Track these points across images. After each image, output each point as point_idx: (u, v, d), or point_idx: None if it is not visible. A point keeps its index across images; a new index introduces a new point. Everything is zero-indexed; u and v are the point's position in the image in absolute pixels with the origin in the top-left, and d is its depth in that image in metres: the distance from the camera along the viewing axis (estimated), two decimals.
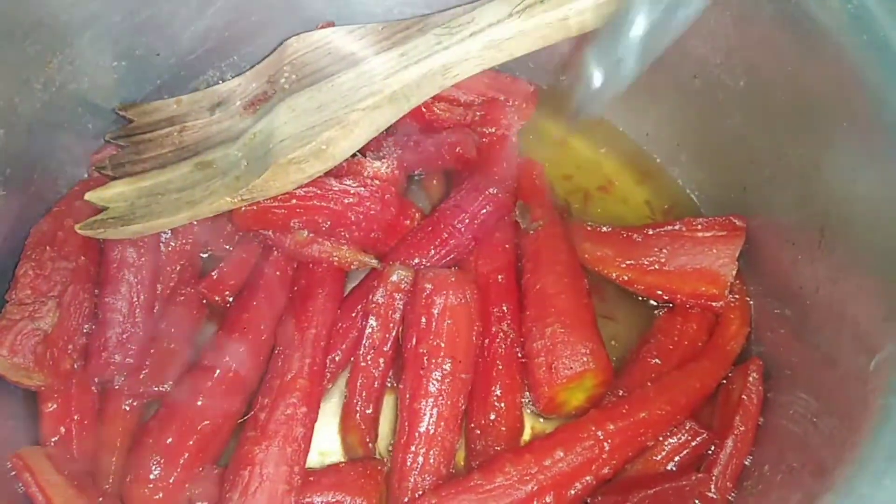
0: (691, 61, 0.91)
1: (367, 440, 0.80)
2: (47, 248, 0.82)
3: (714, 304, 0.86)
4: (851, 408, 0.56)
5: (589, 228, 0.93)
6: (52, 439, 0.78)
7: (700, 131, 0.96)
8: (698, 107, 0.94)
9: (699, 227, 0.89)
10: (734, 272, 0.85)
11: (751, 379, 0.79)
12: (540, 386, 0.79)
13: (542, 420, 0.83)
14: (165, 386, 0.80)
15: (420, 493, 0.73)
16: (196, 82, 1.02)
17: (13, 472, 0.74)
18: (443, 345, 0.78)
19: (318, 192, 0.84)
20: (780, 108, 0.81)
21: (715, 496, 0.73)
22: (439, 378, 0.77)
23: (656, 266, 0.88)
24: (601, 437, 0.74)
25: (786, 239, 0.82)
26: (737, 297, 0.87)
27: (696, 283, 0.86)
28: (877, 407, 0.51)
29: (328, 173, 0.85)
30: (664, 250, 0.88)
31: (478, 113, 0.98)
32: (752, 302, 0.88)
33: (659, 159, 1.03)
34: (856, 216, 0.70)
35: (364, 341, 0.83)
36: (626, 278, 0.90)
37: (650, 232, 0.91)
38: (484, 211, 0.88)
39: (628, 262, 0.89)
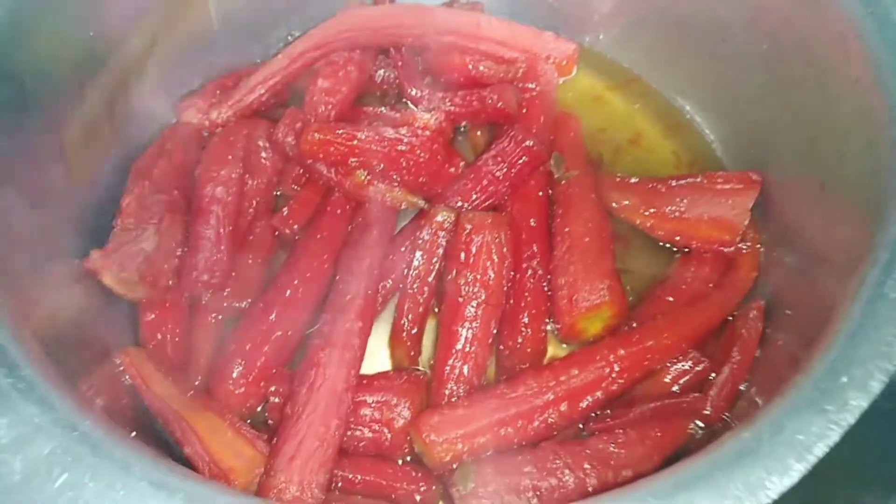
0: (719, 26, 0.99)
1: (412, 354, 0.88)
2: (146, 182, 0.92)
3: (725, 249, 0.92)
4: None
5: (618, 179, 1.00)
6: (151, 344, 0.87)
7: (727, 90, 1.03)
8: (726, 68, 1.01)
9: (719, 180, 0.95)
10: (746, 221, 0.92)
11: (751, 316, 0.86)
12: (562, 315, 0.88)
13: (564, 346, 0.91)
14: (245, 303, 0.89)
15: (455, 398, 0.82)
16: (269, 39, 1.13)
17: (121, 367, 0.83)
18: (479, 277, 0.86)
19: (376, 137, 0.91)
20: (794, 71, 0.87)
21: (710, 413, 0.82)
22: (475, 305, 0.85)
23: (677, 214, 0.95)
24: (612, 360, 0.81)
25: (793, 192, 0.89)
26: (748, 244, 0.93)
27: (711, 230, 0.93)
28: (828, 332, 0.61)
29: (385, 123, 0.95)
30: (685, 200, 0.95)
31: (521, 69, 1.05)
32: (761, 248, 0.94)
33: (688, 115, 1.10)
34: (848, 172, 0.77)
35: (411, 272, 0.90)
36: (648, 225, 0.96)
37: (673, 183, 0.97)
38: (521, 161, 0.94)
39: (651, 211, 0.96)
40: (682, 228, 0.95)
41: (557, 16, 1.15)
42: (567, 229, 0.93)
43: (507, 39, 1.05)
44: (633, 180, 1.00)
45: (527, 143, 0.95)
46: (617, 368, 0.82)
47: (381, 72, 1.09)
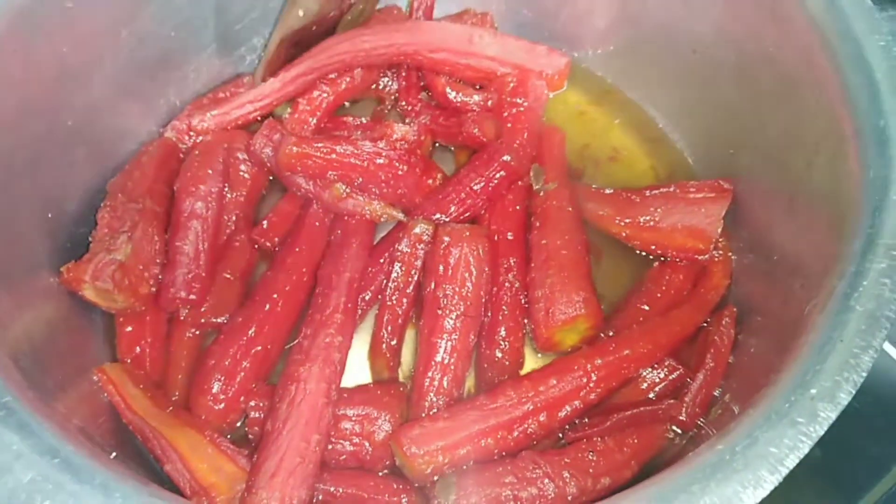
0: (691, 37, 1.00)
1: (392, 366, 0.89)
2: (119, 195, 0.92)
3: (700, 257, 0.94)
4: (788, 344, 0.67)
5: (593, 190, 1.01)
6: (129, 358, 0.87)
7: (698, 100, 1.04)
8: (697, 78, 1.03)
9: (692, 189, 0.97)
10: (720, 229, 0.93)
11: (724, 323, 0.88)
12: (539, 327, 0.89)
13: (540, 356, 0.92)
14: (223, 318, 0.89)
15: (435, 410, 0.82)
16: (242, 49, 1.12)
17: (99, 384, 0.83)
18: (458, 289, 0.86)
19: (355, 151, 0.91)
20: (762, 83, 0.89)
21: (685, 419, 0.83)
22: (453, 318, 0.86)
23: (651, 223, 0.96)
24: (589, 370, 0.82)
25: (764, 201, 0.91)
26: (720, 252, 0.95)
27: (685, 238, 0.94)
28: (798, 344, 0.62)
29: (364, 135, 0.95)
30: (659, 210, 0.96)
31: (511, 83, 1.05)
32: (733, 256, 0.95)
33: (662, 126, 1.11)
34: (816, 184, 0.78)
35: (390, 284, 0.91)
36: (624, 234, 0.98)
37: (647, 193, 0.98)
38: (498, 176, 0.95)
39: (627, 221, 0.97)
40: (657, 238, 0.97)
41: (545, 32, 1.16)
42: (544, 241, 0.94)
43: (498, 55, 1.05)
44: (608, 191, 1.01)
45: (504, 158, 0.96)
46: (594, 378, 0.83)
47: (385, 79, 1.10)
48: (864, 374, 0.56)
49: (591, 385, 0.83)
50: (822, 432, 0.54)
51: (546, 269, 0.91)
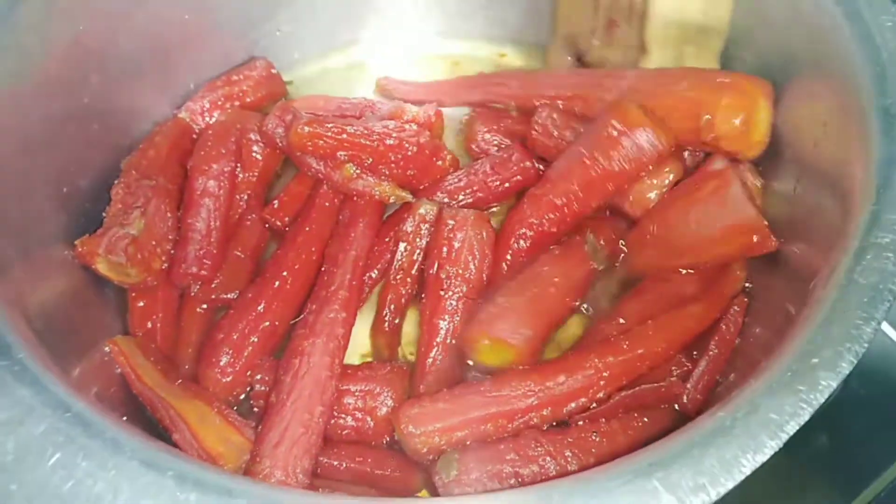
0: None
1: (392, 344, 0.90)
2: (133, 172, 0.93)
3: (769, 244, 0.82)
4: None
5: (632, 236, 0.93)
6: (140, 332, 0.88)
7: None
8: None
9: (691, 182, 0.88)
10: (753, 212, 0.82)
11: (732, 311, 0.86)
12: (474, 324, 0.85)
13: None
14: (233, 294, 0.91)
15: (436, 391, 0.81)
16: (256, 33, 1.13)
17: (111, 356, 0.83)
18: (460, 272, 0.87)
19: (365, 131, 0.92)
20: (769, 69, 0.89)
21: (687, 403, 0.83)
22: (455, 299, 0.86)
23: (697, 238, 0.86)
24: (601, 368, 0.80)
25: (771, 185, 0.89)
26: None
27: (734, 237, 0.84)
28: (801, 317, 0.63)
29: (375, 116, 0.97)
30: (693, 224, 0.87)
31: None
32: None
33: None
34: (822, 164, 0.78)
35: (394, 263, 0.92)
36: (683, 264, 0.89)
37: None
38: (515, 179, 0.96)
39: (671, 250, 0.89)
40: (719, 249, 0.87)
41: None
42: (546, 268, 0.89)
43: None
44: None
45: (525, 164, 0.97)
46: (605, 376, 0.80)
47: None
48: (866, 345, 0.56)
49: (602, 384, 0.80)
50: (822, 400, 0.54)
51: (524, 290, 0.87)
